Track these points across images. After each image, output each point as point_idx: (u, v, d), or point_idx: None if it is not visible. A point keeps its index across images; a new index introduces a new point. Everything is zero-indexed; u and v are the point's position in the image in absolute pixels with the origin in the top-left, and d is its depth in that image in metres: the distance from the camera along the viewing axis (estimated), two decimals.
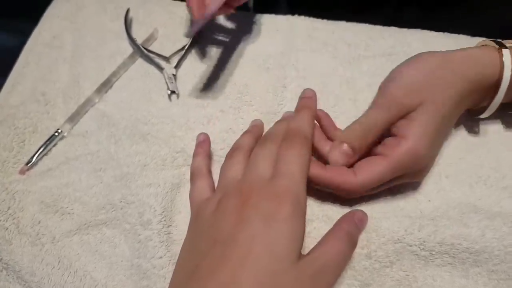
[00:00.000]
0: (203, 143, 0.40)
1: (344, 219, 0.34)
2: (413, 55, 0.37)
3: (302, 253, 0.30)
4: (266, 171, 0.32)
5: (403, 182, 0.35)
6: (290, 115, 0.40)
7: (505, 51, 0.34)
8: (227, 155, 0.37)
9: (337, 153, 0.35)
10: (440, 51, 0.36)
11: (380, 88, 0.37)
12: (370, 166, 0.33)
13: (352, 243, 0.33)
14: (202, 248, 0.30)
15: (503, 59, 0.34)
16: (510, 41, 0.36)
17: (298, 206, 0.30)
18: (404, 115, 0.34)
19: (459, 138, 0.39)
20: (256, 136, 0.39)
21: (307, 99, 0.39)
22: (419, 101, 0.34)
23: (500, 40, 0.37)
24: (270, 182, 0.31)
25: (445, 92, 0.34)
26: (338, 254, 0.31)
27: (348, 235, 0.32)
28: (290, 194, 0.30)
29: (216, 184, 0.37)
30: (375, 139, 0.35)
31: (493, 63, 0.34)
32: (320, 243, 0.31)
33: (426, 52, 0.36)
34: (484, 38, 0.46)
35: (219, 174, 0.37)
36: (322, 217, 0.36)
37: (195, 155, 0.39)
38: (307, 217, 0.35)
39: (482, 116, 0.37)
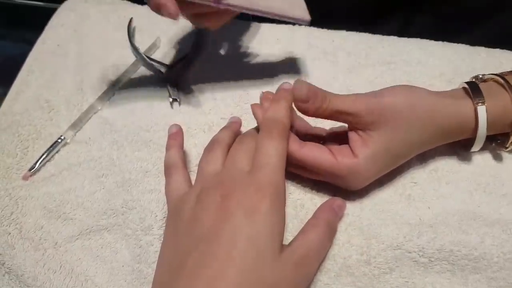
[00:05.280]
0: (176, 135, 0.39)
1: (323, 207, 0.35)
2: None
3: (287, 238, 0.31)
4: (245, 164, 0.33)
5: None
6: None
7: (480, 108, 0.35)
8: (205, 149, 0.37)
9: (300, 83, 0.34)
10: (435, 94, 0.36)
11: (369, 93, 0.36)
12: (319, 153, 0.34)
13: (332, 231, 0.34)
14: (185, 244, 0.29)
15: (479, 118, 0.35)
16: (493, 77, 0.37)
17: (278, 198, 0.30)
18: (361, 125, 0.34)
19: (459, 145, 0.39)
20: (234, 132, 0.39)
21: (283, 91, 0.36)
22: (383, 123, 0.34)
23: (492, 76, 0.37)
24: (249, 175, 0.31)
25: (413, 128, 0.34)
26: (317, 243, 0.32)
27: (327, 223, 0.33)
28: (270, 186, 0.30)
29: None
30: (323, 114, 0.35)
31: (469, 120, 0.35)
32: (300, 233, 0.32)
33: (424, 90, 0.36)
34: (483, 47, 0.47)
35: (197, 168, 0.36)
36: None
37: (168, 148, 0.38)
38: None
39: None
